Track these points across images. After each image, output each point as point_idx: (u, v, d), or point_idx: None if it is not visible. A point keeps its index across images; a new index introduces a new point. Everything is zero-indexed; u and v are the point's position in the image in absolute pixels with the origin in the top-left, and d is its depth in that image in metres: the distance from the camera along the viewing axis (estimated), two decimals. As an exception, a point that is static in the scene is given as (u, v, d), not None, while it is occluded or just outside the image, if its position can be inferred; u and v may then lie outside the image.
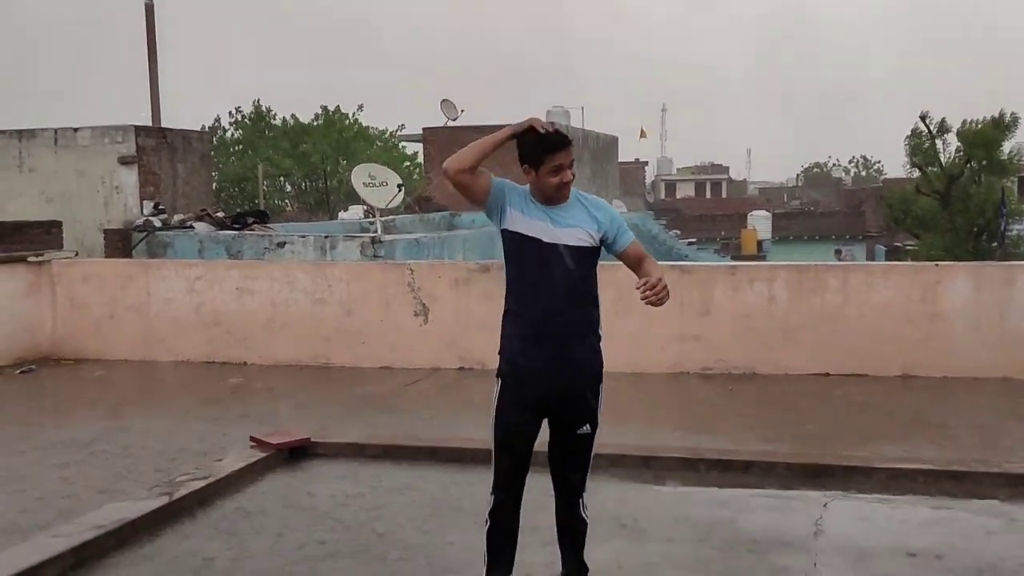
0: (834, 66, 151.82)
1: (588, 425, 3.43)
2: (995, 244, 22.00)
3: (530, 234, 3.32)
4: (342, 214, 18.16)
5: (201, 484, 5.11)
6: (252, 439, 5.95)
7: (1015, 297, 7.54)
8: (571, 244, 3.31)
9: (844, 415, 6.67)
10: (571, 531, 3.55)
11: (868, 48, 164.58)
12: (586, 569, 3.57)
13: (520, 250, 3.34)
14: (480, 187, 3.38)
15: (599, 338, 3.44)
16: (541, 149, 3.31)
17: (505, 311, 3.46)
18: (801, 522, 4.53)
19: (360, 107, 40.32)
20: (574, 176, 3.37)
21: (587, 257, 3.36)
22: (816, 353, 7.84)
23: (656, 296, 3.16)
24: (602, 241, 3.38)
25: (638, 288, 3.20)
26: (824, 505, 4.76)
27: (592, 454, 3.50)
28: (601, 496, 4.90)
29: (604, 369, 3.46)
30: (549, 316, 3.31)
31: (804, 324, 7.90)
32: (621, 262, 3.48)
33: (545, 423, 3.46)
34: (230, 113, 40.75)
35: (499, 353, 3.46)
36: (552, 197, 3.36)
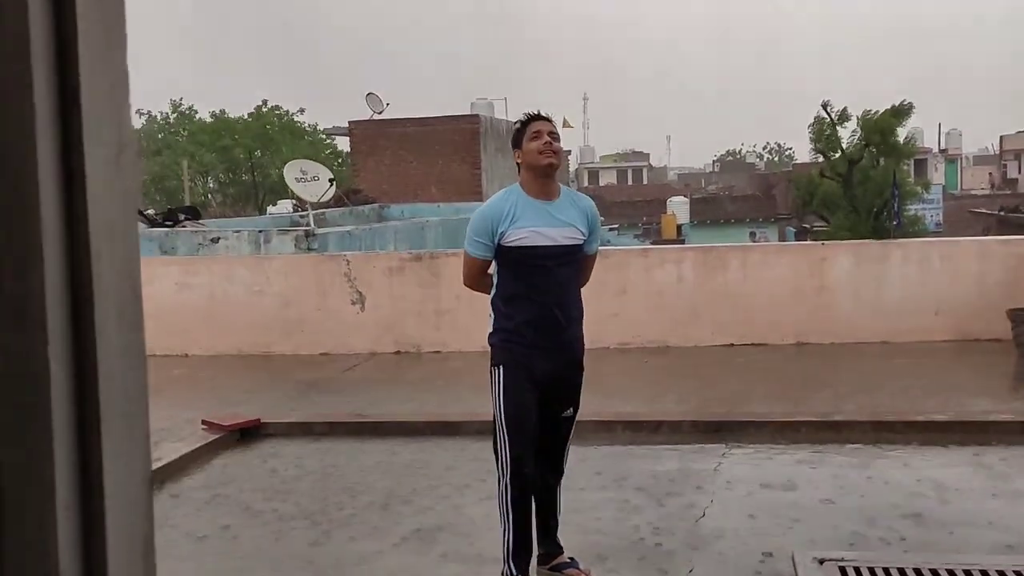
0: (754, 54, 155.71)
1: (572, 408, 3.74)
2: (894, 223, 23.45)
3: (524, 241, 3.49)
4: (271, 208, 18.41)
5: (159, 465, 5.45)
6: (204, 422, 6.35)
7: (889, 271, 8.46)
8: (567, 244, 3.54)
9: (744, 380, 7.45)
10: (552, 496, 3.79)
11: (785, 38, 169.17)
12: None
13: (522, 254, 3.51)
14: (487, 267, 3.66)
15: (582, 326, 3.72)
16: (520, 124, 3.61)
17: (504, 301, 3.60)
18: (702, 468, 5.24)
19: (302, 110, 40.38)
20: (559, 149, 3.53)
21: (577, 254, 3.62)
22: (721, 326, 8.63)
23: None
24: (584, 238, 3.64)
25: None
26: (722, 455, 5.49)
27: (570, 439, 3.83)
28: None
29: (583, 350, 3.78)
30: (552, 305, 3.53)
31: (710, 300, 8.69)
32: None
33: None
34: (138, 112, 40.13)
35: (495, 342, 3.64)
36: (542, 170, 3.51)
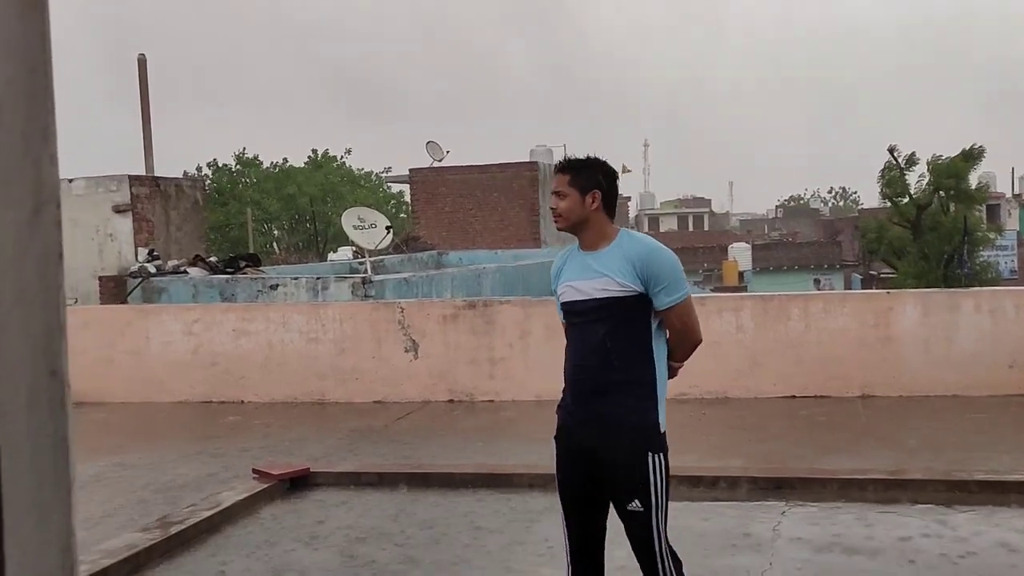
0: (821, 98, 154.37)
1: (637, 501, 3.01)
2: (965, 270, 22.74)
3: (563, 297, 3.22)
4: (332, 255, 18.66)
5: (208, 513, 5.45)
6: (254, 470, 6.36)
7: (959, 321, 8.11)
8: (600, 296, 3.09)
9: (807, 434, 7.17)
10: None
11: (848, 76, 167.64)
12: None
13: (564, 310, 3.25)
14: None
15: (643, 396, 3.06)
16: None
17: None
18: (761, 527, 5.00)
19: (348, 151, 41.18)
20: (558, 209, 3.18)
21: (617, 308, 3.06)
22: (782, 378, 8.36)
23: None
24: (644, 290, 3.07)
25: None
26: (782, 513, 5.24)
27: (659, 548, 3.04)
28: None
29: (650, 432, 3.07)
30: (578, 372, 3.15)
31: (770, 350, 8.43)
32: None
33: None
34: (208, 164, 41.10)
35: None
36: (577, 237, 3.23)
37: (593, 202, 3.14)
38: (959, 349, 8.08)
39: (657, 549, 3.02)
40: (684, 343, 3.19)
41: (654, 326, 3.11)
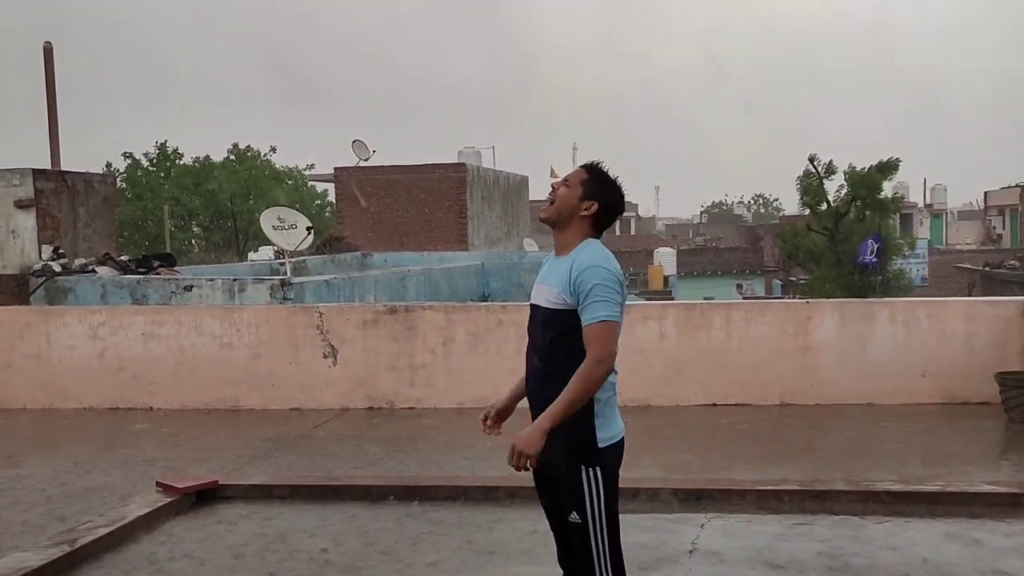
0: (741, 104, 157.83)
1: (575, 513, 2.96)
2: (879, 277, 23.41)
3: (531, 298, 3.20)
4: (252, 255, 18.18)
5: (105, 531, 5.13)
6: (158, 483, 6.05)
7: (874, 331, 8.26)
8: (539, 304, 3.08)
9: (727, 443, 7.19)
10: None
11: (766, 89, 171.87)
12: None
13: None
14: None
15: (584, 412, 2.92)
16: None
17: None
18: (680, 540, 4.95)
19: (273, 149, 40.20)
20: (551, 197, 3.10)
21: (554, 320, 2.99)
22: (704, 386, 8.38)
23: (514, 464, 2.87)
24: (575, 304, 2.95)
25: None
26: (701, 525, 5.20)
27: (598, 560, 2.97)
28: (510, 526, 5.25)
29: (585, 446, 2.95)
30: (529, 379, 3.12)
31: (692, 358, 8.45)
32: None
33: None
34: (124, 155, 39.56)
35: None
36: (555, 234, 3.13)
37: (587, 209, 3.06)
38: (873, 358, 8.22)
39: (596, 563, 2.97)
40: (584, 363, 2.89)
41: None
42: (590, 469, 2.95)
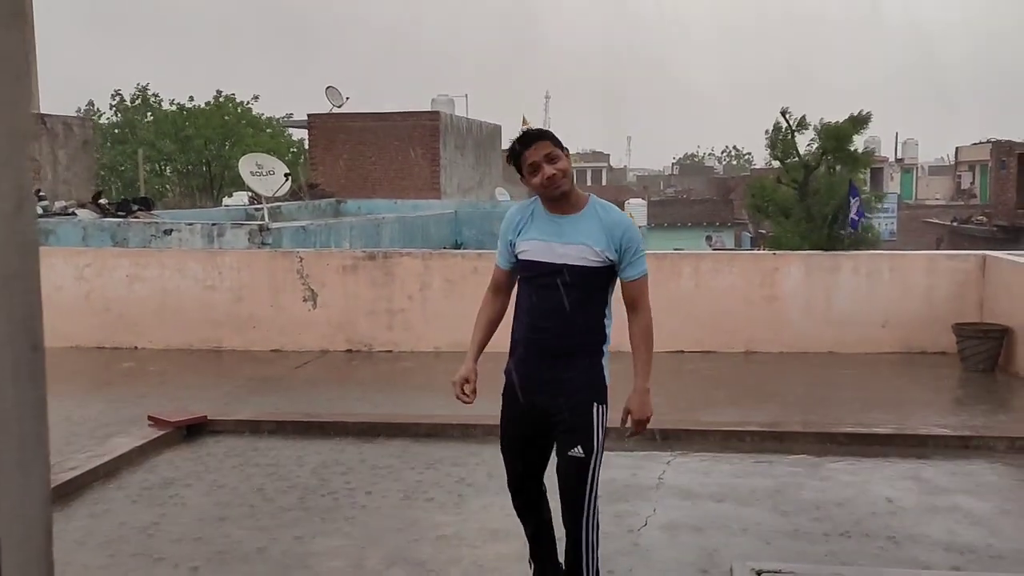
0: (716, 55, 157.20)
1: (580, 447, 3.13)
2: (850, 231, 23.79)
3: (524, 255, 3.21)
4: (227, 200, 18.18)
5: (99, 462, 5.36)
6: (150, 417, 6.27)
7: (839, 282, 8.61)
8: (570, 264, 3.11)
9: (693, 388, 7.53)
10: (570, 554, 3.24)
11: (751, 38, 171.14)
12: None
13: (524, 267, 3.23)
14: (510, 279, 3.38)
15: (595, 354, 3.20)
16: (513, 155, 3.20)
17: (514, 315, 3.32)
18: (647, 476, 5.29)
19: (255, 97, 39.76)
20: (560, 171, 3.12)
21: (591, 276, 3.13)
22: (672, 334, 8.67)
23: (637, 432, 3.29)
24: (616, 260, 3.14)
25: (624, 427, 3.30)
26: (667, 463, 5.54)
27: (589, 491, 3.17)
28: (488, 461, 5.55)
29: (598, 386, 3.21)
30: (536, 333, 3.18)
31: (662, 308, 8.72)
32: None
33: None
34: (111, 96, 39.28)
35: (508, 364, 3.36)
36: (550, 197, 3.17)
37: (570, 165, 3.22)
38: (837, 308, 8.59)
39: (587, 496, 3.16)
40: (640, 323, 3.23)
41: (611, 294, 3.25)
42: (600, 406, 3.20)
